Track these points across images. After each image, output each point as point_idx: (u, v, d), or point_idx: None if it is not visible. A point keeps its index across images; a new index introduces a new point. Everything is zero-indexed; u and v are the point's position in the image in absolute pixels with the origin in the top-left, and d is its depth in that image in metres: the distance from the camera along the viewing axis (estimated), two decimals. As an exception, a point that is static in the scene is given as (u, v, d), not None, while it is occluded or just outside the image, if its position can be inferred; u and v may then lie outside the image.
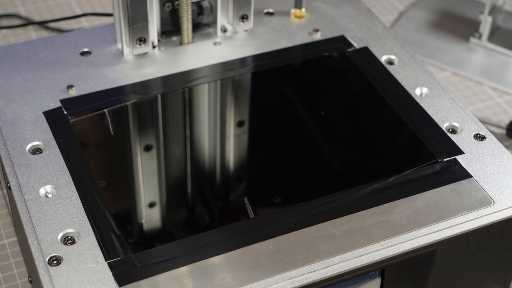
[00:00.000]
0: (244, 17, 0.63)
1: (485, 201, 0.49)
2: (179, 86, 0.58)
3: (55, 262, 0.45)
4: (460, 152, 0.53)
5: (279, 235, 0.47)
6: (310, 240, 0.47)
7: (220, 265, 0.45)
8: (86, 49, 0.61)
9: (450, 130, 0.55)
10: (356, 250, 0.46)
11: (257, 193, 0.51)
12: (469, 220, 0.48)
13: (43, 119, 0.54)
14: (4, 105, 0.56)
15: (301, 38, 0.63)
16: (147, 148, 0.55)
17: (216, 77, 0.59)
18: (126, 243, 0.46)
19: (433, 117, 0.56)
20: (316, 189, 0.51)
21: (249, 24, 0.63)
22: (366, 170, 0.52)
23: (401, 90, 0.58)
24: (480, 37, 0.78)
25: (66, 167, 0.51)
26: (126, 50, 0.60)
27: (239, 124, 0.57)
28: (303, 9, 0.66)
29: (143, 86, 0.58)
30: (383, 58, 0.61)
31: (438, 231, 0.47)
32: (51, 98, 0.56)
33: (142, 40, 0.60)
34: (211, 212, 0.51)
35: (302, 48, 0.62)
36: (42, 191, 0.49)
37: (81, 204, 0.48)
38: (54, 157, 0.51)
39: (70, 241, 0.46)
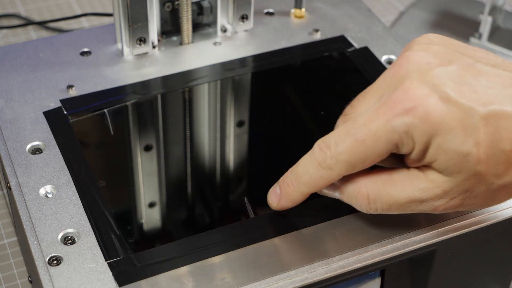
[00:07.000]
0: (244, 17, 0.63)
1: (485, 201, 0.49)
2: (179, 86, 0.58)
3: (55, 262, 0.45)
4: (460, 152, 0.53)
5: (279, 235, 0.47)
6: (310, 240, 0.47)
7: (220, 265, 0.45)
8: (86, 49, 0.61)
9: (450, 130, 0.55)
10: (356, 250, 0.46)
11: (257, 193, 0.51)
12: (469, 220, 0.48)
13: (43, 119, 0.54)
14: (4, 105, 0.56)
15: (301, 38, 0.63)
16: (147, 148, 0.55)
17: (216, 77, 0.59)
18: (126, 243, 0.46)
19: (433, 117, 0.55)
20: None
21: (249, 24, 0.63)
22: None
23: (401, 90, 0.58)
24: (480, 37, 0.78)
25: (66, 167, 0.51)
26: (126, 50, 0.60)
27: (239, 124, 0.57)
28: (303, 9, 0.66)
29: (143, 86, 0.58)
30: (383, 58, 0.61)
31: (438, 231, 0.47)
32: (51, 98, 0.56)
33: (142, 40, 0.60)
34: (211, 212, 0.51)
35: (302, 48, 0.62)
36: (42, 191, 0.49)
37: (81, 204, 0.48)
38: (54, 157, 0.51)
39: (70, 241, 0.46)
